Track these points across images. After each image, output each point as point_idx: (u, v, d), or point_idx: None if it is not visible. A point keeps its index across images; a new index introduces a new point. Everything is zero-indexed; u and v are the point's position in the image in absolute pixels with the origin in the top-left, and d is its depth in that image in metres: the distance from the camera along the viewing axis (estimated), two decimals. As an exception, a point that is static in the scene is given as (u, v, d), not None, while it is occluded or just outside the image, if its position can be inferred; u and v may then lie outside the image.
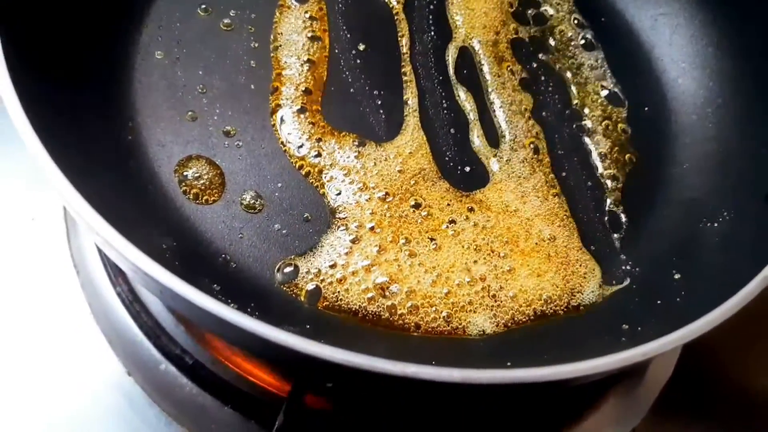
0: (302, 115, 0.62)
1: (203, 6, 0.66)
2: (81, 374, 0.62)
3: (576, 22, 0.71)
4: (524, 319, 0.56)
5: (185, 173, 0.58)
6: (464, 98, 0.66)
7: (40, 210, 0.67)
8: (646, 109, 0.67)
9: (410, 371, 0.38)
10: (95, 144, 0.54)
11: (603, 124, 0.66)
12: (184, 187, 0.57)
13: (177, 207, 0.56)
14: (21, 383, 0.61)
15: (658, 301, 0.55)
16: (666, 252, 0.58)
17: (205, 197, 0.57)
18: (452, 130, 0.64)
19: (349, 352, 0.38)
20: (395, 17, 0.69)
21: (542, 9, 0.72)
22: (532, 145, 0.64)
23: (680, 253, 0.58)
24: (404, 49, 0.67)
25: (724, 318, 0.43)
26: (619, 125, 0.66)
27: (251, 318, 0.39)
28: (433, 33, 0.69)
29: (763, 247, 0.48)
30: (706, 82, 0.66)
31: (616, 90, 0.68)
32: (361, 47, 0.67)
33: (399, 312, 0.55)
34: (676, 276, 0.56)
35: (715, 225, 0.57)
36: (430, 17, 0.70)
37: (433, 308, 0.55)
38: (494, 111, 0.65)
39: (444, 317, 0.55)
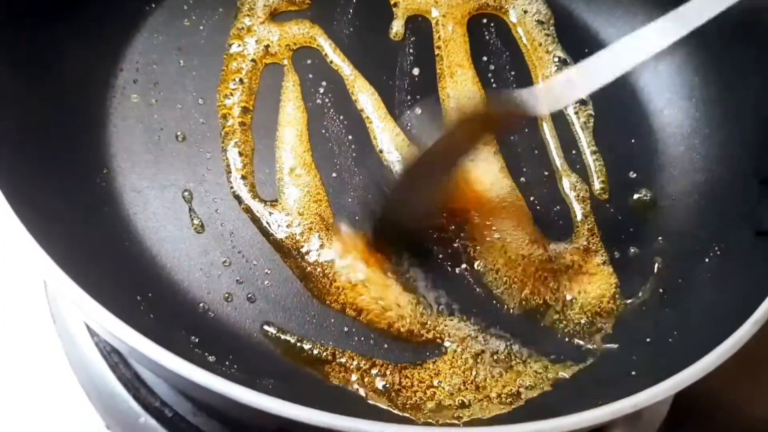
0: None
1: (181, 48, 0.65)
2: (59, 427, 0.60)
3: (557, 59, 0.69)
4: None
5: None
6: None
7: (16, 257, 0.66)
8: (633, 140, 0.66)
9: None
10: (67, 192, 0.53)
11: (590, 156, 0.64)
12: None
13: (153, 255, 0.54)
14: (-3, 437, 0.59)
15: (648, 339, 0.53)
16: (656, 290, 0.57)
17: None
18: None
19: (324, 413, 0.36)
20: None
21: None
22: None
23: (671, 290, 0.56)
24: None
25: (715, 365, 0.41)
26: (605, 157, 0.65)
27: (220, 378, 0.37)
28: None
29: (754, 287, 0.47)
30: (692, 112, 0.65)
31: (600, 122, 0.66)
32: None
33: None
34: (668, 313, 0.55)
35: (706, 261, 0.56)
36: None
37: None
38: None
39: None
